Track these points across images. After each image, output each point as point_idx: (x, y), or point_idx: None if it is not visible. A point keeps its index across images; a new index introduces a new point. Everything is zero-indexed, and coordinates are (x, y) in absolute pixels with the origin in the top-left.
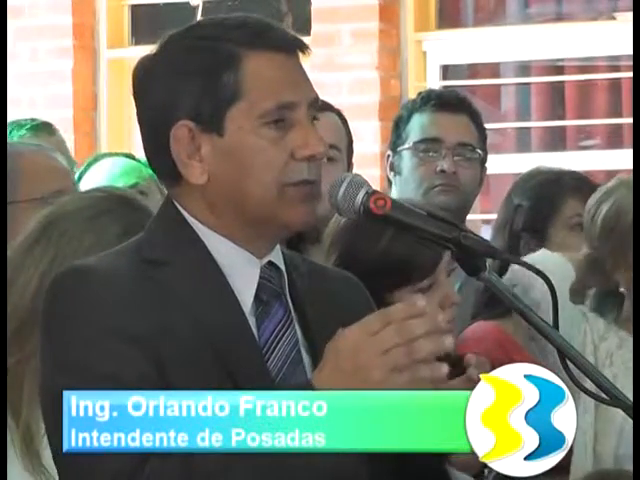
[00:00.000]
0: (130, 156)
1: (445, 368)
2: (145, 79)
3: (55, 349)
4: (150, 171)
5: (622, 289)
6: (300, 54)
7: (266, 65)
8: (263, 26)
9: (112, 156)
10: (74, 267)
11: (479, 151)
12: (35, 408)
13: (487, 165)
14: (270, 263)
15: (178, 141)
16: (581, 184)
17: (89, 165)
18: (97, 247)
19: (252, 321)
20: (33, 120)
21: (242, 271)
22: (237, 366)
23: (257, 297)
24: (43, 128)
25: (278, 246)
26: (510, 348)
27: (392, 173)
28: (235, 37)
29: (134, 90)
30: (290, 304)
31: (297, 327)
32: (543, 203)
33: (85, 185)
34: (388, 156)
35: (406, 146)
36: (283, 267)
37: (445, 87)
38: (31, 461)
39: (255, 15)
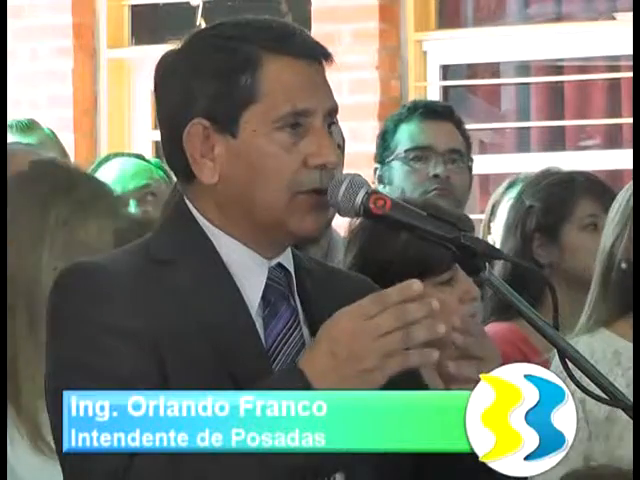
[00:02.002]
0: (140, 157)
1: (436, 354)
2: (165, 75)
3: (55, 346)
4: (161, 172)
5: (623, 265)
6: (325, 63)
7: (285, 70)
8: (287, 31)
9: (123, 156)
10: (78, 264)
11: (467, 157)
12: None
13: (473, 173)
14: (279, 265)
15: (192, 139)
16: (593, 185)
17: (100, 164)
18: (26, 211)
19: (259, 322)
20: (18, 121)
21: (250, 272)
22: (240, 367)
23: (264, 298)
24: (28, 127)
25: (289, 248)
26: (526, 349)
27: (381, 185)
28: (257, 39)
29: (154, 85)
30: (298, 306)
31: (305, 329)
32: (556, 204)
33: None
34: (375, 169)
35: (395, 156)
36: (292, 269)
37: (445, 87)
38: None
39: (281, 19)
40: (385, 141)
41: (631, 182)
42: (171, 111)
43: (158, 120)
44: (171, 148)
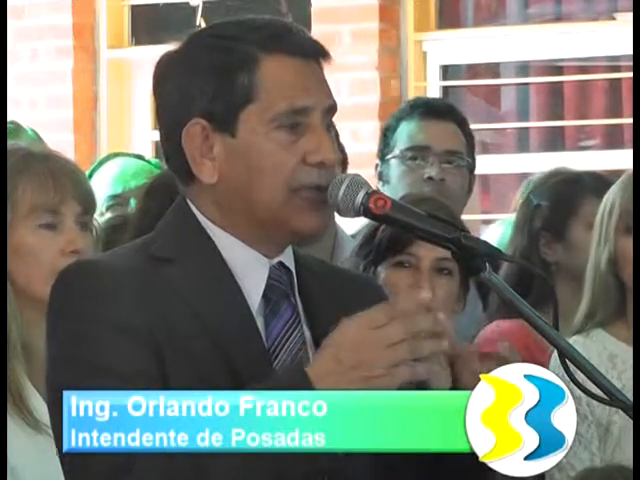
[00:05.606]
0: (140, 157)
1: (438, 369)
2: (163, 76)
3: (55, 344)
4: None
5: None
6: (323, 62)
7: (282, 69)
8: (283, 29)
9: (123, 156)
10: (79, 262)
11: (467, 159)
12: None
13: (475, 173)
14: (280, 264)
15: (191, 139)
16: (600, 184)
17: (100, 164)
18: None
19: (260, 321)
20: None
21: (251, 270)
22: (241, 365)
23: (265, 297)
24: (16, 129)
25: (290, 247)
26: (534, 348)
27: (381, 182)
28: (254, 39)
29: (153, 87)
30: (299, 305)
31: (305, 328)
32: (563, 202)
33: (95, 183)
34: (377, 165)
35: (394, 154)
36: (293, 268)
37: (445, 87)
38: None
39: (278, 18)
40: (386, 138)
41: (608, 191)
42: (169, 111)
43: (157, 121)
44: (170, 149)
